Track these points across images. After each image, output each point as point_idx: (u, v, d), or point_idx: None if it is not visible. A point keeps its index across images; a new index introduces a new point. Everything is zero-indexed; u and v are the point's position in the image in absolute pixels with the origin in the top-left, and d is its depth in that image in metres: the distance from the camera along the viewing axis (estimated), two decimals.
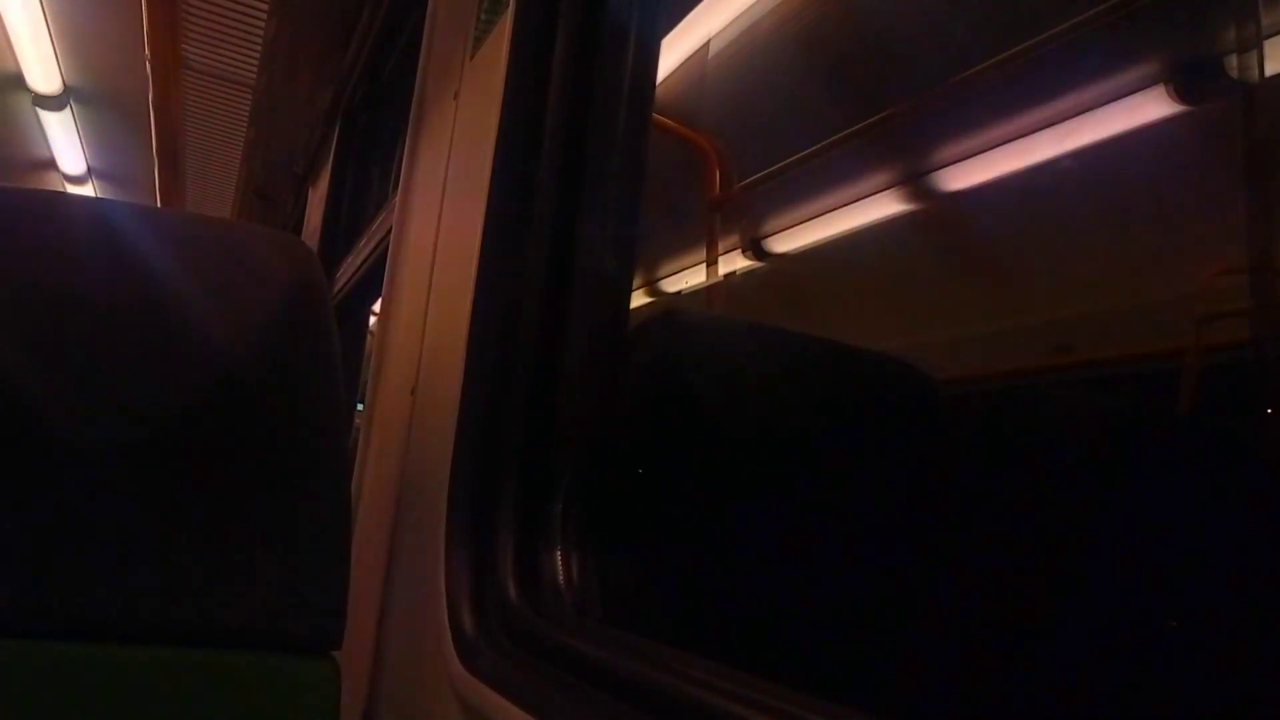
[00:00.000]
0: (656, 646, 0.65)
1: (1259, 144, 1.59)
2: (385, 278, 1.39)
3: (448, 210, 1.14)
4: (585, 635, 0.73)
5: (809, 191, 3.33)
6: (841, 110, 2.93)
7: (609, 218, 0.92)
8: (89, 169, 5.14)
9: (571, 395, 0.88)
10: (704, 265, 3.49)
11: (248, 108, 3.19)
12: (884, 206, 3.13)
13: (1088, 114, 2.41)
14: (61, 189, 5.05)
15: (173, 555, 0.74)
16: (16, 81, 4.04)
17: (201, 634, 0.74)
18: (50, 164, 5.10)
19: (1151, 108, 2.30)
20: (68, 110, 4.32)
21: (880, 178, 3.08)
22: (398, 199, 1.40)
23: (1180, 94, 2.25)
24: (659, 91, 1.00)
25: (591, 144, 0.93)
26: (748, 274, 3.75)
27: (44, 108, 4.30)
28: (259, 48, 2.75)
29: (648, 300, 4.16)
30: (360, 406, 1.68)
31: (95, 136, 4.66)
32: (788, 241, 3.61)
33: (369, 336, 2.18)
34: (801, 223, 3.47)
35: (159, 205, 4.82)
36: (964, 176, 2.84)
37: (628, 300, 0.93)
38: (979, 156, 2.74)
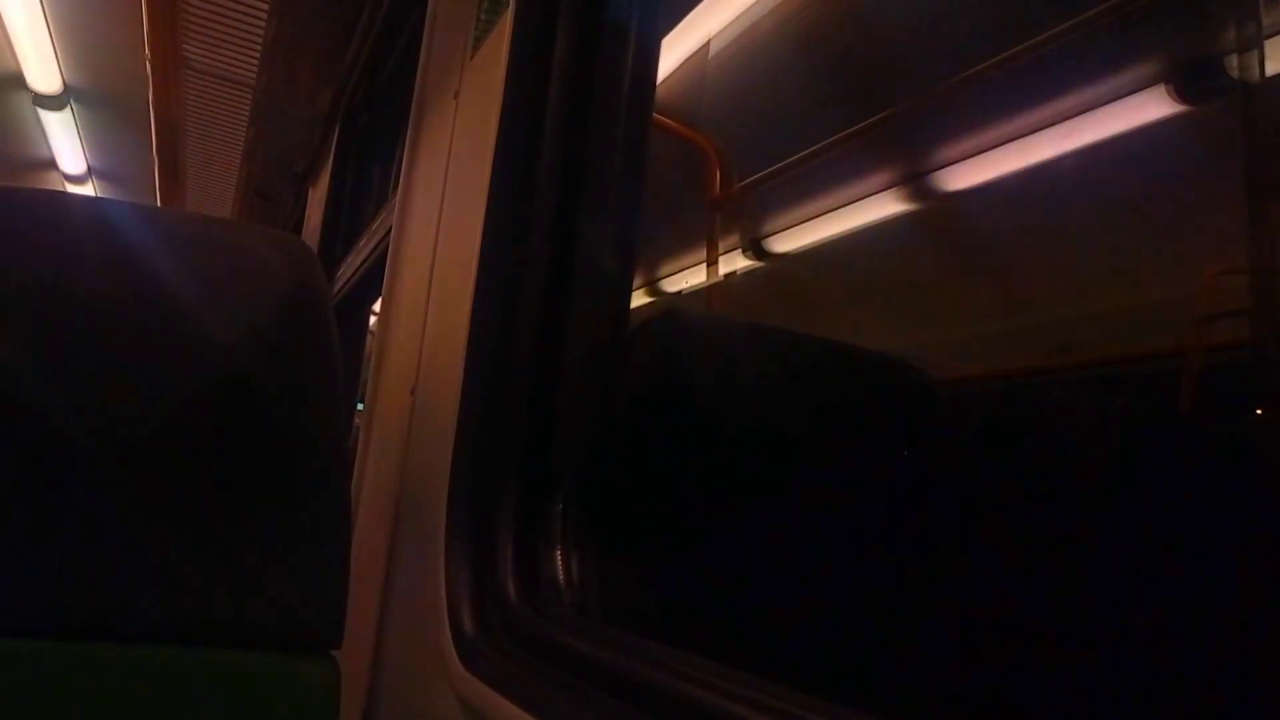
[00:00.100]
0: (656, 646, 0.65)
1: (1260, 143, 1.59)
2: (385, 277, 1.39)
3: (448, 210, 1.14)
4: (585, 635, 0.73)
5: (809, 191, 3.33)
6: (842, 110, 2.93)
7: (609, 217, 0.92)
8: (89, 169, 5.14)
9: (571, 395, 0.88)
10: (704, 265, 3.49)
11: (248, 107, 3.19)
12: (884, 206, 3.13)
13: (1088, 114, 2.41)
14: (61, 189, 5.06)
15: (172, 554, 0.74)
16: (16, 81, 4.04)
17: (201, 633, 0.74)
18: (50, 164, 5.10)
19: (1152, 107, 2.30)
20: (68, 110, 4.32)
21: (881, 177, 3.08)
22: (398, 199, 1.40)
23: (1180, 94, 2.26)
24: (659, 91, 1.00)
25: (592, 144, 0.93)
26: (748, 274, 3.75)
27: (44, 107, 4.31)
28: (259, 47, 2.75)
29: (648, 300, 4.16)
30: (360, 406, 1.68)
31: (95, 136, 4.66)
32: (788, 241, 3.61)
33: (369, 336, 2.18)
34: (802, 222, 3.47)
35: (159, 205, 4.82)
36: (964, 176, 2.84)
37: (628, 300, 0.93)
38: (979, 156, 2.74)
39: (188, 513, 0.74)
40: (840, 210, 3.27)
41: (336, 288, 2.18)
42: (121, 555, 0.72)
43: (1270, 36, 1.70)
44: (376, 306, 1.70)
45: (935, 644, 0.93)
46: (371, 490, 1.29)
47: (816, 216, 3.39)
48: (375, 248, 1.79)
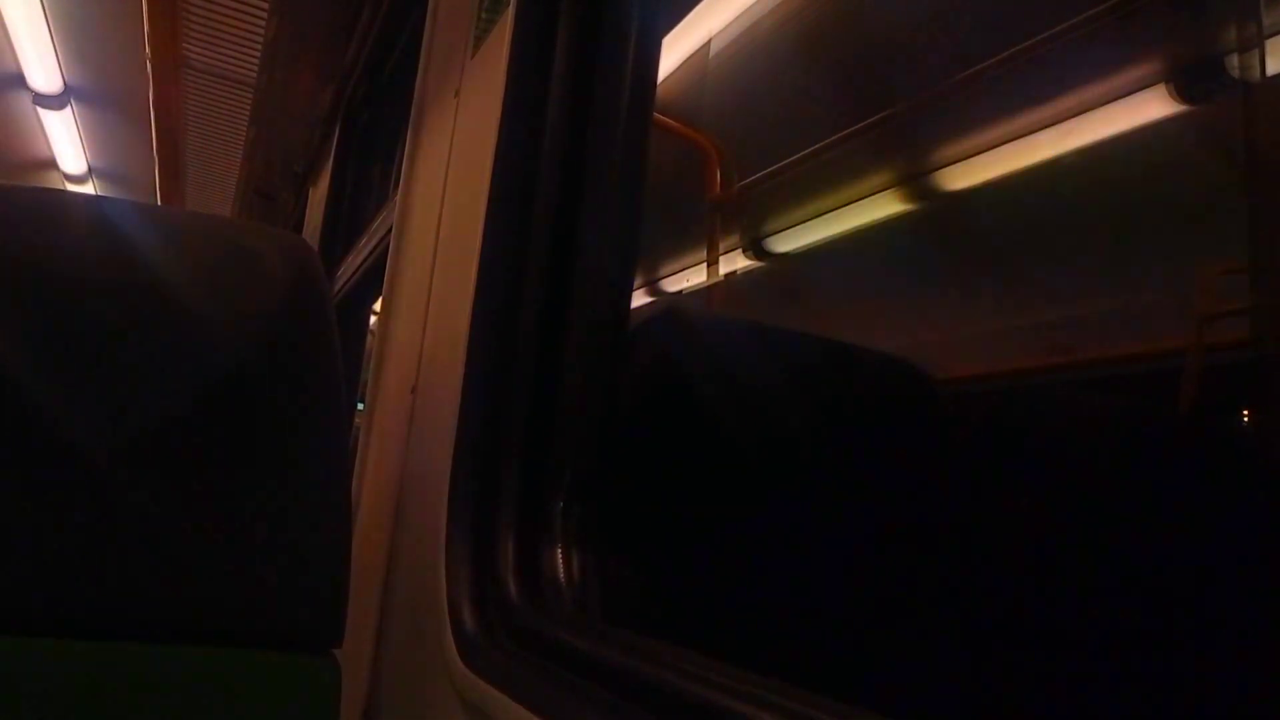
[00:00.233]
0: (657, 644, 0.65)
1: (1260, 143, 1.59)
2: (386, 276, 1.39)
3: (448, 209, 1.14)
4: (586, 633, 0.73)
5: (810, 191, 3.33)
6: (842, 109, 2.93)
7: (610, 216, 0.92)
8: (89, 168, 5.14)
9: (572, 393, 0.88)
10: (704, 265, 3.49)
11: (248, 107, 3.19)
12: (885, 206, 3.13)
13: (1088, 113, 2.41)
14: (62, 188, 5.05)
15: (173, 552, 0.74)
16: (17, 80, 4.05)
17: (201, 631, 0.74)
18: (50, 163, 5.10)
19: (1152, 107, 2.30)
20: (68, 109, 4.32)
21: (881, 177, 3.08)
22: (398, 198, 1.40)
23: (1181, 93, 2.26)
24: (660, 91, 1.00)
25: (592, 143, 0.93)
26: (747, 274, 3.75)
27: (44, 107, 4.31)
28: (259, 47, 2.75)
29: (649, 300, 4.16)
30: (361, 405, 1.68)
31: (95, 136, 4.66)
32: (788, 241, 3.61)
33: (369, 335, 2.18)
34: (802, 222, 3.47)
35: (159, 205, 4.82)
36: (964, 176, 2.84)
37: (628, 298, 0.93)
38: (979, 156, 2.74)
39: (188, 511, 0.74)
40: (841, 210, 3.27)
41: (337, 287, 2.18)
42: (121, 554, 0.72)
43: (1271, 36, 1.70)
44: (377, 306, 1.70)
45: (936, 643, 0.93)
46: (372, 489, 1.29)
47: (817, 216, 3.39)
48: (376, 247, 1.80)
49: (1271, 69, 1.68)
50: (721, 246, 3.49)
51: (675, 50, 2.78)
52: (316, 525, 0.78)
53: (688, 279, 4.04)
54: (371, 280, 1.90)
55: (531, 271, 0.92)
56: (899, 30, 2.66)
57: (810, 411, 1.00)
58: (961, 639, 0.93)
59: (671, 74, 2.84)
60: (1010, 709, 0.90)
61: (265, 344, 0.78)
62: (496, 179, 0.96)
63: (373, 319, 2.21)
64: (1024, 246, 2.80)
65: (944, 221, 3.03)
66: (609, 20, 0.94)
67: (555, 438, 0.87)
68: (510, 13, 0.99)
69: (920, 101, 2.73)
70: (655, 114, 0.99)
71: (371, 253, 1.84)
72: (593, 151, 0.93)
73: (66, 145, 4.79)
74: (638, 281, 1.01)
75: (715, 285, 3.46)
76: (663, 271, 4.24)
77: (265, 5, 2.55)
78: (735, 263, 3.73)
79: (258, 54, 2.80)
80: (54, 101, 4.24)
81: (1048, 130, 2.50)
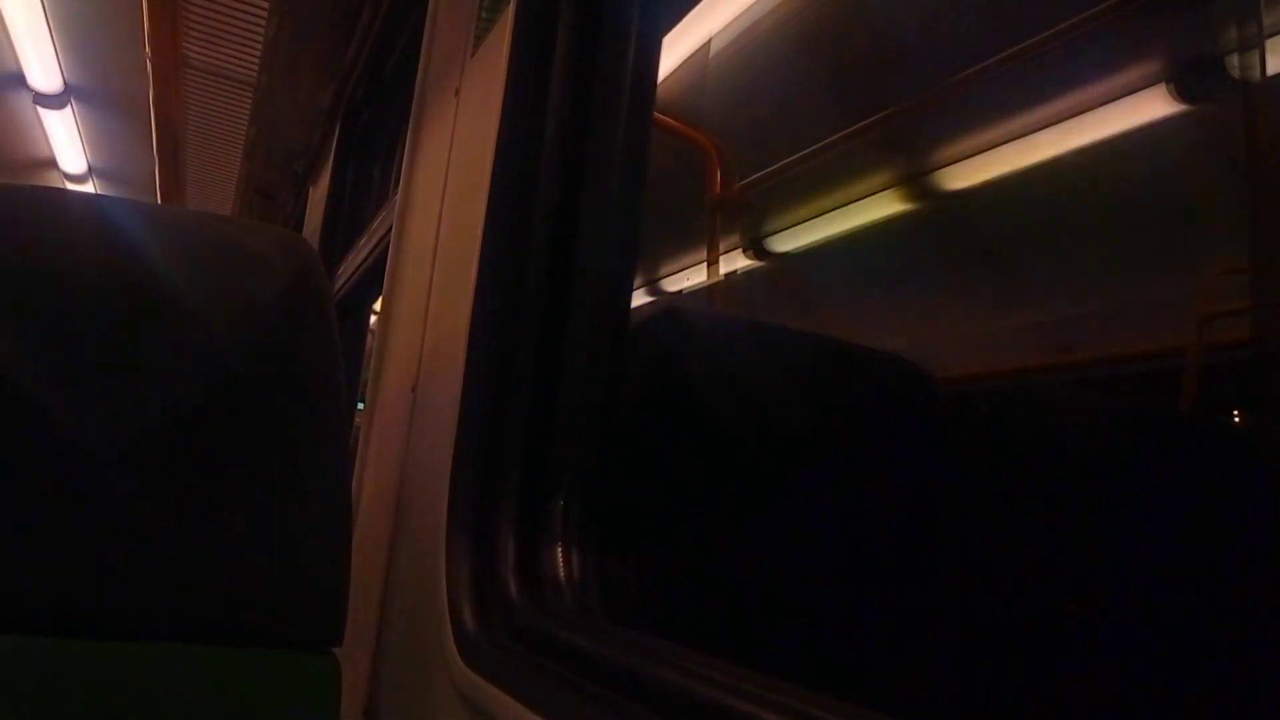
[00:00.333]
0: (657, 642, 0.65)
1: (1260, 143, 1.59)
2: (386, 276, 1.39)
3: (448, 208, 1.14)
4: (586, 631, 0.73)
5: (810, 190, 3.32)
6: (843, 108, 2.93)
7: (610, 215, 0.92)
8: (89, 168, 5.14)
9: (572, 392, 0.88)
10: (704, 264, 3.49)
11: (248, 106, 3.19)
12: (885, 205, 3.13)
13: (1089, 113, 2.41)
14: (62, 187, 5.04)
15: (173, 551, 0.74)
16: (17, 80, 4.04)
17: (201, 630, 0.74)
18: (51, 163, 5.10)
19: (1152, 106, 2.30)
20: (68, 109, 4.32)
21: (882, 176, 3.08)
22: (398, 197, 1.40)
23: (1181, 93, 2.26)
24: (660, 90, 1.00)
25: (593, 142, 0.93)
26: (747, 273, 3.75)
27: (44, 106, 4.31)
28: (260, 46, 2.75)
29: (649, 299, 4.16)
30: (361, 404, 1.68)
31: (96, 135, 4.66)
32: (789, 241, 3.61)
33: (370, 334, 2.18)
34: (803, 221, 3.47)
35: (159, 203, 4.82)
36: (965, 175, 2.84)
37: (629, 297, 0.93)
38: (980, 155, 2.74)
39: (188, 509, 0.74)
40: (841, 209, 3.27)
41: (337, 286, 2.18)
42: (122, 552, 0.72)
43: (1271, 36, 1.70)
44: (377, 305, 1.70)
45: (936, 641, 0.93)
46: (372, 487, 1.29)
47: (817, 216, 3.39)
48: (376, 246, 1.80)
49: (1272, 69, 1.68)
50: (722, 246, 3.49)
51: (675, 49, 2.78)
52: (317, 524, 0.78)
53: (688, 278, 4.04)
54: (372, 279, 1.90)
55: (532, 271, 0.92)
56: (899, 29, 2.66)
57: (810, 411, 1.00)
58: (962, 638, 0.93)
59: (672, 73, 2.84)
60: (1009, 707, 0.90)
61: (265, 343, 0.78)
62: (496, 178, 0.96)
63: (373, 318, 2.21)
64: (1024, 246, 2.80)
65: (944, 221, 3.03)
66: (609, 19, 0.94)
67: (555, 437, 0.88)
68: (510, 12, 0.99)
69: (920, 101, 2.73)
70: (655, 113, 0.99)
71: (372, 252, 1.84)
72: (593, 151, 0.93)
73: (66, 144, 4.78)
74: (638, 281, 1.01)
75: (715, 285, 3.46)
76: (663, 271, 4.24)
77: (265, 4, 2.54)
78: (735, 262, 3.74)
79: (258, 53, 2.80)
80: (54, 101, 4.24)
81: (1048, 130, 2.50)
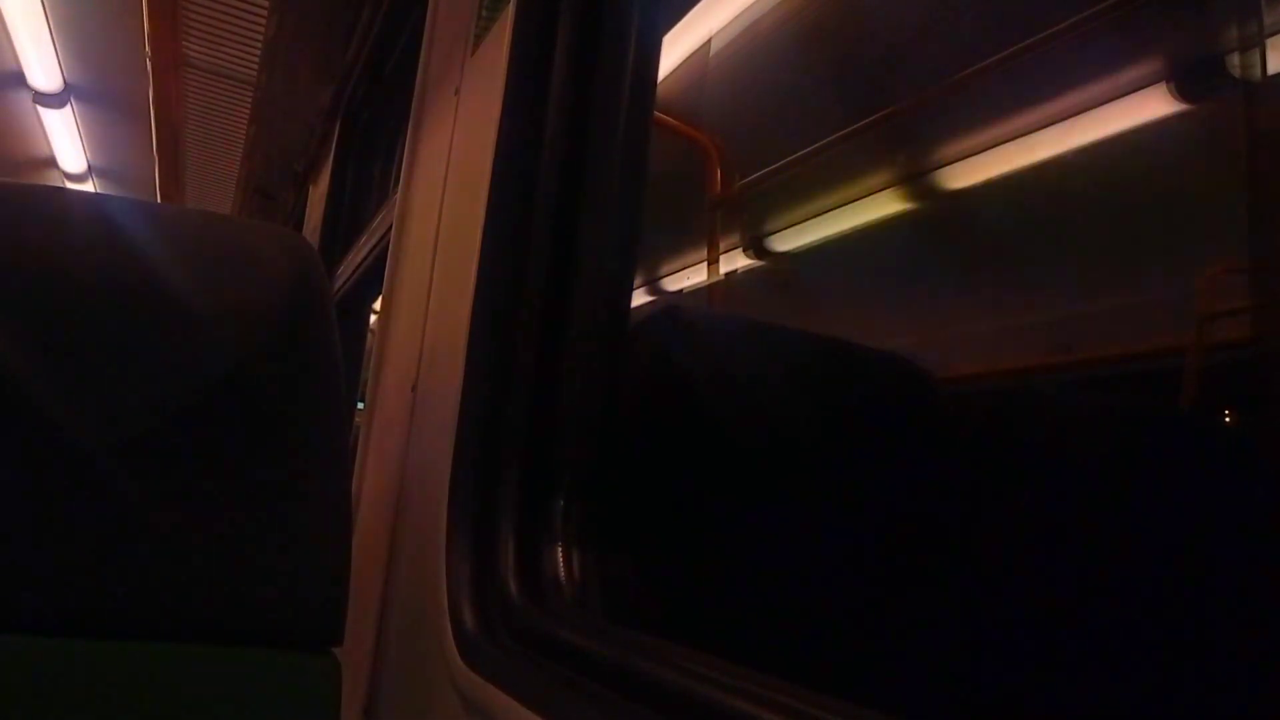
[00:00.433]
0: (657, 642, 0.65)
1: (1260, 142, 1.59)
2: (386, 275, 1.39)
3: (448, 207, 1.14)
4: (586, 631, 0.73)
5: (811, 190, 3.32)
6: (843, 108, 2.93)
7: (610, 215, 0.92)
8: (89, 167, 5.14)
9: (572, 392, 0.88)
10: (704, 264, 3.49)
11: (248, 105, 3.19)
12: (886, 205, 3.13)
13: (1089, 112, 2.41)
14: (62, 186, 5.04)
15: (173, 551, 0.74)
16: (17, 79, 4.04)
17: (201, 630, 0.74)
18: (50, 162, 5.10)
19: (1153, 106, 2.30)
20: (68, 108, 4.32)
21: (882, 176, 3.08)
22: (398, 196, 1.40)
23: (1181, 92, 2.26)
24: (660, 89, 1.00)
25: (593, 141, 0.93)
26: (748, 272, 3.75)
27: (44, 105, 4.30)
28: (259, 45, 2.75)
29: (649, 299, 4.16)
30: (361, 404, 1.68)
31: (96, 134, 4.66)
32: (789, 240, 3.61)
33: (370, 334, 2.18)
34: (803, 221, 3.47)
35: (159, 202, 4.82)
36: (965, 175, 2.84)
37: (628, 297, 0.93)
38: (980, 155, 2.74)
39: (188, 509, 0.74)
40: (842, 209, 3.27)
41: (337, 285, 2.18)
42: (122, 552, 0.72)
43: (1272, 35, 1.70)
44: (377, 304, 1.70)
45: (936, 641, 0.93)
46: (372, 487, 1.29)
47: (818, 215, 3.39)
48: (376, 245, 1.80)
49: (1272, 68, 1.68)
50: (722, 245, 3.49)
51: (676, 49, 2.78)
52: (317, 524, 0.78)
53: (688, 278, 4.04)
54: (372, 278, 1.90)
55: (531, 270, 0.92)
56: (900, 29, 2.66)
57: (810, 410, 1.00)
58: (962, 638, 0.93)
59: (672, 72, 2.84)
60: (1009, 708, 0.90)
61: (265, 342, 0.78)
62: (496, 177, 0.95)
63: (373, 317, 2.21)
64: (1024, 245, 2.80)
65: (944, 220, 3.03)
66: (609, 18, 0.94)
67: (555, 436, 0.87)
68: (510, 11, 0.99)
69: (920, 100, 2.73)
70: (655, 113, 0.99)
71: (372, 251, 1.84)
72: (593, 150, 0.93)
73: (66, 144, 4.78)
74: (638, 280, 1.01)
75: (715, 284, 3.46)
76: (663, 270, 4.24)
77: (265, 4, 2.54)
78: (735, 262, 3.73)
79: (258, 52, 2.80)
80: (54, 100, 4.24)
81: (1048, 130, 2.50)
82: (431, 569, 0.89)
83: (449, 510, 0.88)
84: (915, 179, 3.00)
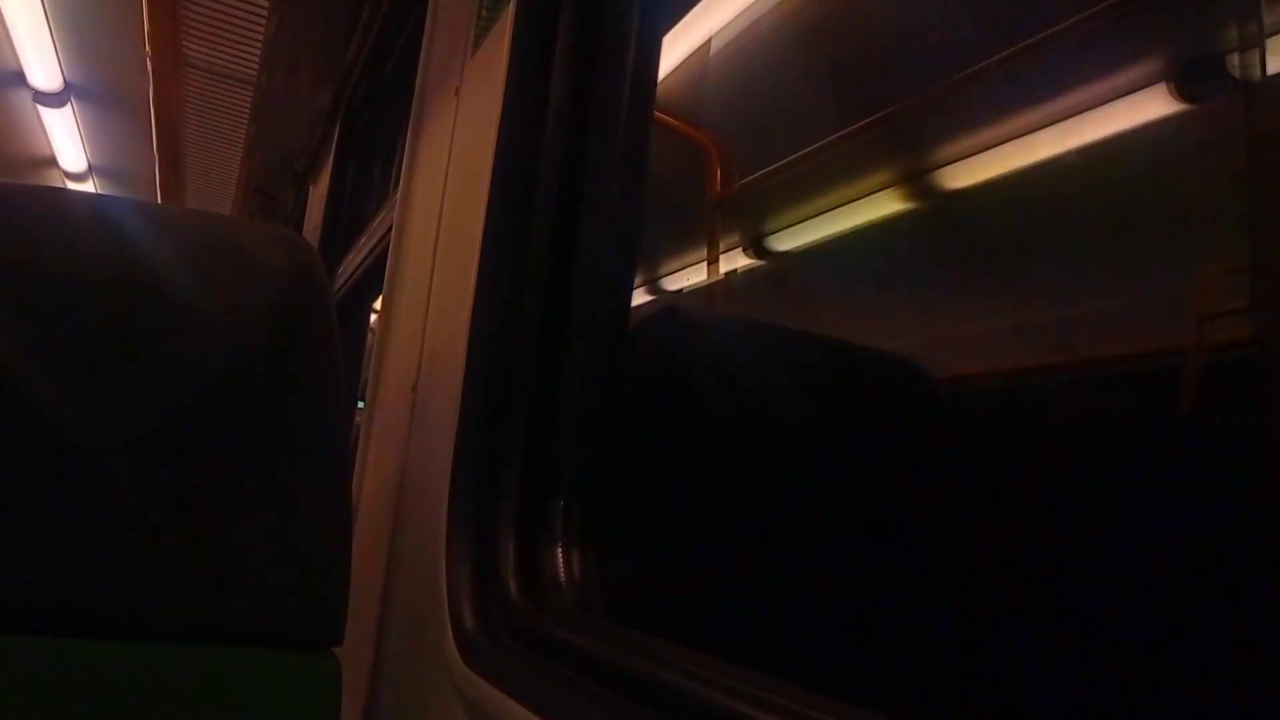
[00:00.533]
0: (657, 643, 0.65)
1: (1261, 142, 1.59)
2: (386, 275, 1.39)
3: (449, 207, 1.14)
4: (586, 631, 0.73)
5: (811, 189, 3.32)
6: (844, 107, 2.93)
7: (610, 214, 0.92)
8: (90, 166, 5.14)
9: (573, 392, 0.88)
10: (705, 264, 3.49)
11: (248, 105, 3.19)
12: (887, 204, 3.13)
13: (1089, 112, 2.41)
14: (62, 186, 5.05)
15: (173, 551, 0.74)
16: (17, 78, 4.04)
17: (202, 630, 0.74)
18: (51, 161, 5.10)
19: (1153, 106, 2.30)
20: (68, 107, 4.32)
21: (883, 175, 3.08)
22: (399, 196, 1.40)
23: (1181, 92, 2.26)
24: (661, 89, 1.00)
25: (593, 141, 0.93)
26: (748, 272, 3.75)
27: (44, 105, 4.30)
28: (260, 45, 2.75)
29: (649, 299, 4.16)
30: (361, 404, 1.68)
31: (96, 133, 4.66)
32: (790, 239, 3.61)
33: (370, 333, 2.18)
34: (804, 220, 3.47)
35: (159, 202, 4.82)
36: (965, 174, 2.84)
37: (629, 296, 0.93)
38: (980, 154, 2.74)
39: (188, 508, 0.74)
40: (843, 208, 3.27)
41: (337, 285, 2.18)
42: (122, 552, 0.72)
43: (1272, 35, 1.70)
44: (377, 304, 1.70)
45: (937, 642, 0.93)
46: (372, 487, 1.29)
47: (819, 214, 3.39)
48: (376, 245, 1.79)
49: (1272, 68, 1.68)
50: (722, 245, 3.49)
51: (676, 48, 2.78)
52: (317, 523, 0.78)
53: (688, 277, 4.04)
54: (372, 278, 1.90)
55: (532, 270, 0.92)
56: (900, 28, 2.66)
57: (810, 410, 1.00)
58: (962, 638, 0.93)
59: (672, 72, 2.84)
60: (1009, 708, 0.90)
61: (265, 342, 0.78)
62: (497, 177, 0.95)
63: (373, 317, 2.21)
64: (1024, 245, 2.80)
65: (944, 219, 3.03)
66: (609, 18, 0.94)
67: (556, 436, 0.87)
68: (510, 11, 0.99)
69: (921, 100, 2.73)
70: (656, 112, 0.99)
71: (372, 251, 1.84)
72: (593, 150, 0.93)
73: (67, 143, 4.78)
74: (638, 280, 1.01)
75: (715, 284, 3.46)
76: (663, 270, 4.24)
77: (266, 3, 2.54)
78: (736, 261, 3.73)
79: (258, 52, 2.80)
80: (54, 99, 4.24)
81: (1048, 130, 2.50)
82: (431, 569, 0.89)
83: (449, 510, 0.88)
84: (915, 179, 3.00)
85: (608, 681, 0.64)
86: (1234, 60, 1.99)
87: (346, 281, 2.12)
